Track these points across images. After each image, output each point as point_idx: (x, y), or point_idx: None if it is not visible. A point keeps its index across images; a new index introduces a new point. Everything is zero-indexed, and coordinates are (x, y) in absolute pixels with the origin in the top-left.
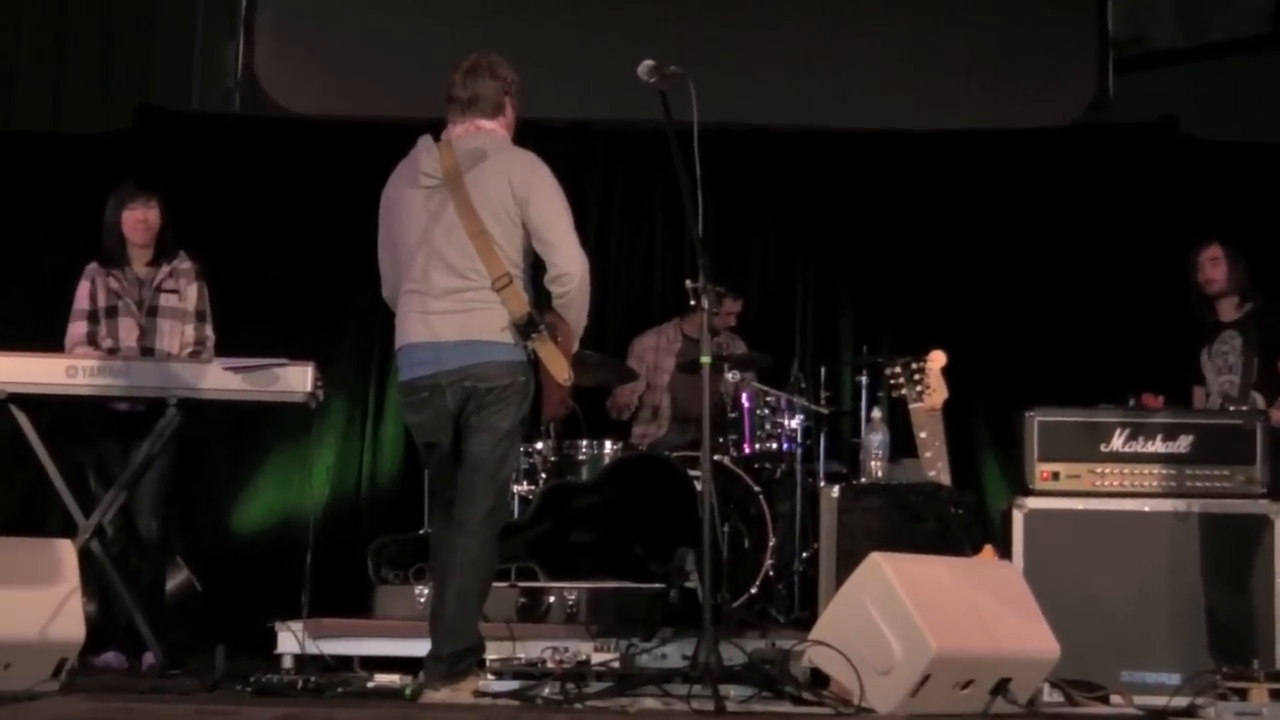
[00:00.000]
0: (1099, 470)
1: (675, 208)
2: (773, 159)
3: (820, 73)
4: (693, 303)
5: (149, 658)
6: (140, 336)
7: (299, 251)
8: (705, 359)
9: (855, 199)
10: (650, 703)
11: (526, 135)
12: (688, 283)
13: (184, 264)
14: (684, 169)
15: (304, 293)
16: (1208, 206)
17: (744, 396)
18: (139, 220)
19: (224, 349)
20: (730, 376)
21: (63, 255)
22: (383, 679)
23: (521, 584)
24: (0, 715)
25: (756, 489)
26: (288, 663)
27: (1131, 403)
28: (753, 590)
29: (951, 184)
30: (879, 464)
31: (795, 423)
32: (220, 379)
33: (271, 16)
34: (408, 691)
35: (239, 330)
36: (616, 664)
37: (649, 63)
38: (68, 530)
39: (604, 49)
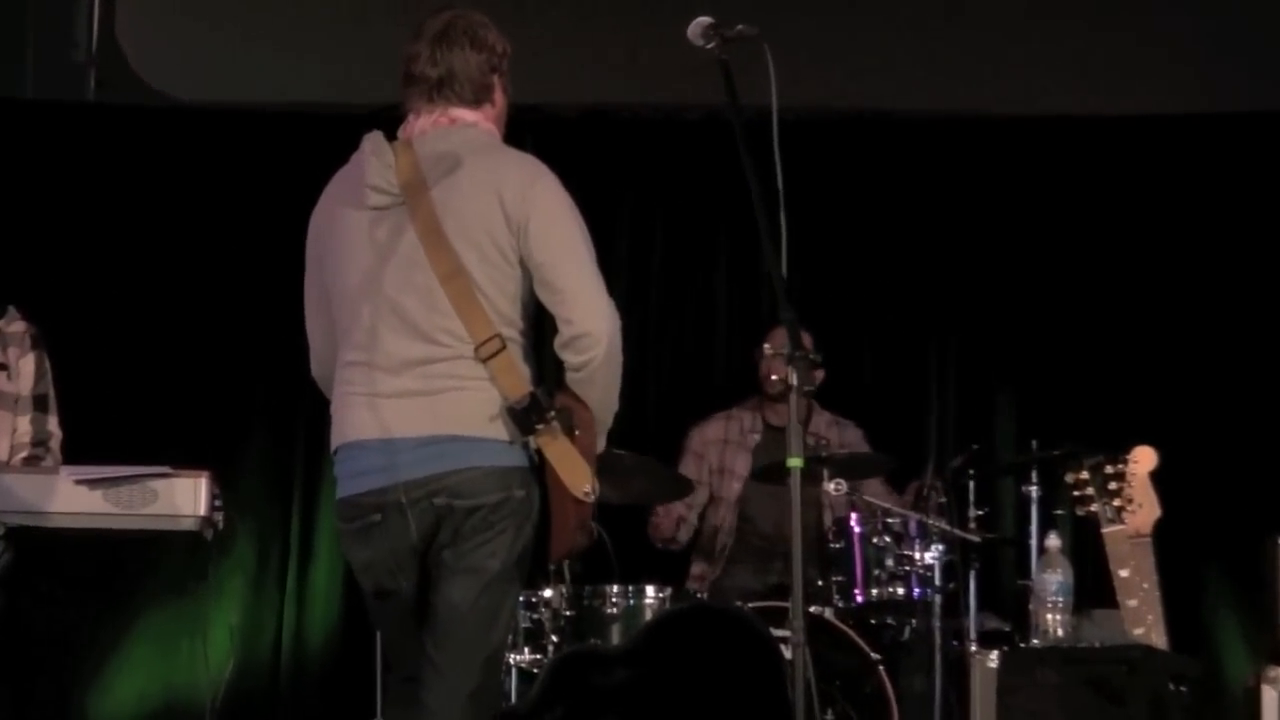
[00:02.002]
0: None
1: (745, 233)
2: (890, 156)
3: (956, 38)
4: (774, 376)
5: None
6: None
7: (186, 305)
8: (795, 461)
9: (1014, 213)
10: None
11: (523, 129)
12: (765, 348)
13: (13, 326)
14: (756, 176)
15: (194, 366)
16: None
17: (854, 518)
18: None
19: (76, 452)
20: (833, 487)
21: None
22: None
23: None
24: None
25: (875, 657)
26: None
27: None
28: None
29: (1166, 197)
30: (1058, 617)
31: (931, 556)
32: (71, 496)
33: None
34: None
35: (98, 423)
36: None
37: (705, 20)
38: None
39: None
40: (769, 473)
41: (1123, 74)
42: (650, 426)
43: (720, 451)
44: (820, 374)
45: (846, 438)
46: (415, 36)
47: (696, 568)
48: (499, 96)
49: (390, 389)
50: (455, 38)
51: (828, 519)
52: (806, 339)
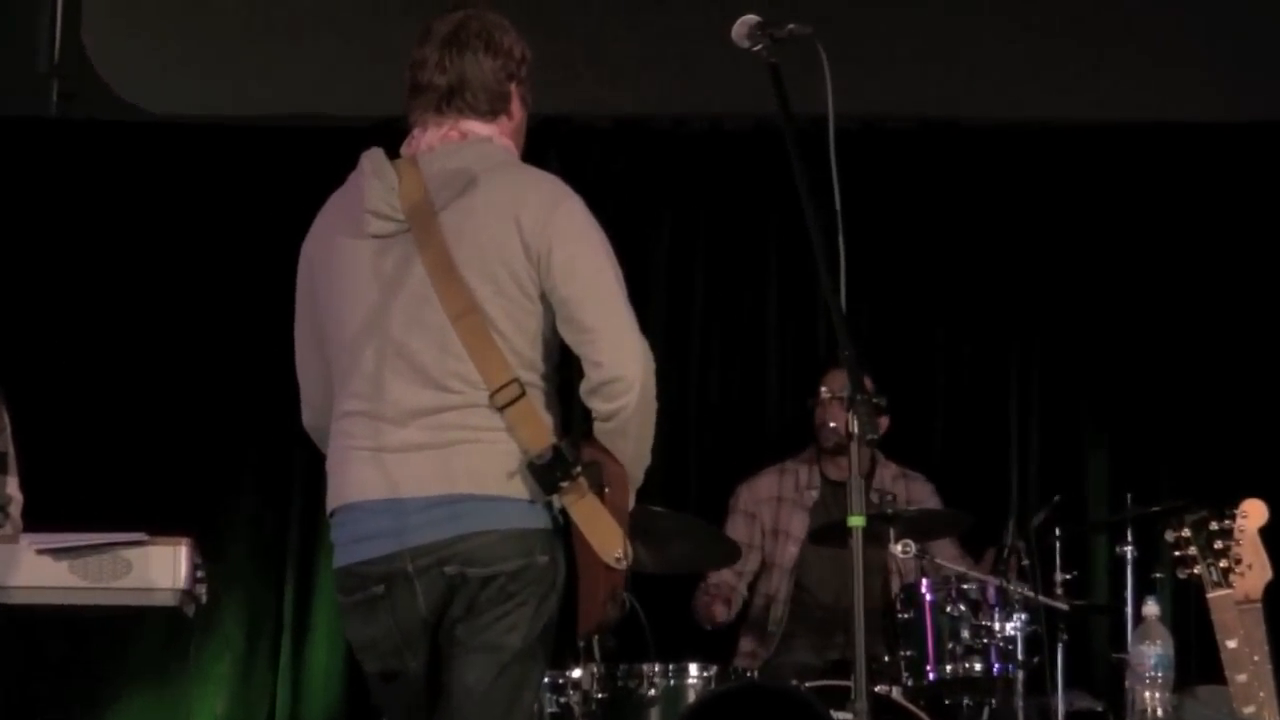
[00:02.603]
0: None
1: (799, 258)
2: (961, 169)
3: (1025, 38)
4: (831, 424)
5: None
6: None
7: (163, 344)
8: (856, 520)
9: (1105, 232)
10: None
11: (546, 143)
12: (822, 391)
13: None
14: (811, 193)
15: (173, 417)
16: None
17: (924, 584)
18: None
19: (39, 518)
20: (900, 550)
21: None
22: None
23: None
24: None
25: None
26: None
27: None
28: None
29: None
30: (1158, 695)
31: (1013, 627)
32: (34, 568)
33: None
34: None
35: (64, 484)
36: None
37: (751, 19)
38: None
39: (667, 3)
40: (827, 534)
41: (1215, 77)
42: (692, 482)
43: (774, 510)
44: (885, 421)
45: (915, 493)
46: (422, 39)
47: (746, 644)
48: (516, 108)
49: (396, 442)
50: (468, 41)
51: (895, 585)
52: (868, 381)
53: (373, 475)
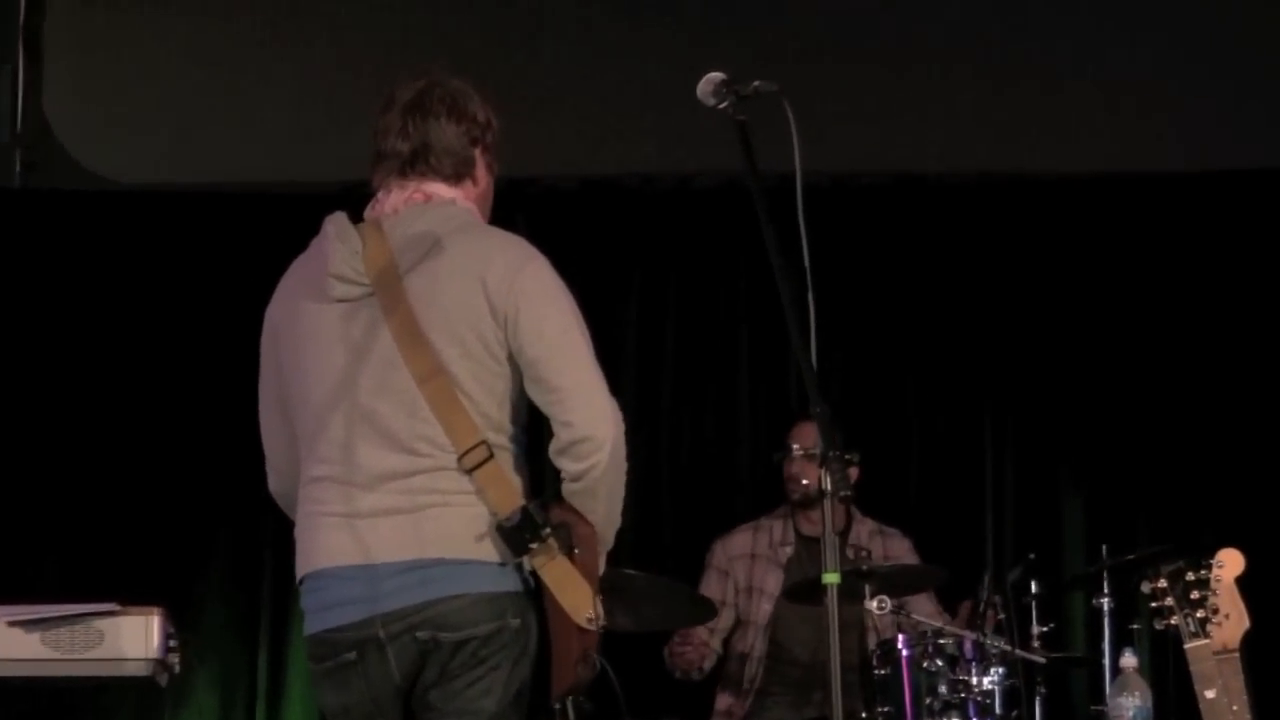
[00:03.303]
0: None
1: (769, 315)
2: (928, 225)
3: (993, 92)
4: (803, 480)
5: None
6: None
7: (129, 414)
8: (831, 577)
9: (1073, 285)
10: None
11: (513, 207)
12: (793, 447)
13: None
14: (779, 250)
15: (141, 486)
16: None
17: (901, 640)
18: None
19: (10, 590)
20: (875, 606)
21: None
22: None
23: None
24: None
25: None
26: None
27: None
28: None
29: (1246, 263)
30: None
31: (990, 681)
32: (6, 640)
33: (71, 36)
34: None
35: (30, 555)
36: None
37: (717, 76)
38: None
39: (632, 63)
40: (802, 591)
41: (1185, 127)
42: (665, 542)
43: (748, 567)
44: (855, 472)
45: (893, 549)
46: (385, 106)
47: (722, 702)
48: (482, 174)
49: (367, 507)
50: (431, 106)
51: (871, 641)
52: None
53: (344, 541)
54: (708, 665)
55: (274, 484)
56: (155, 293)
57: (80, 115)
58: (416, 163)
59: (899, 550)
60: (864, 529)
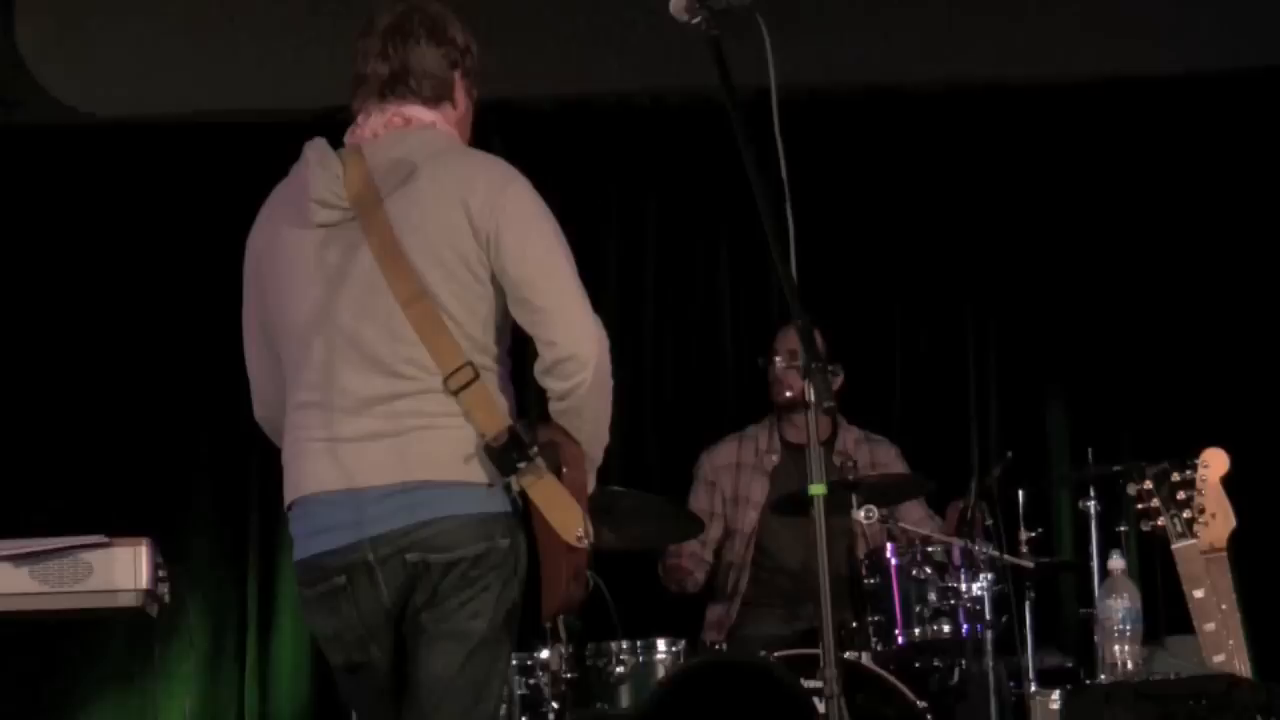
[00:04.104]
0: None
1: (749, 228)
2: (907, 135)
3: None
4: (788, 393)
5: None
6: None
7: (112, 345)
8: (817, 489)
9: (1054, 190)
10: None
11: (489, 130)
12: (778, 361)
13: None
14: (757, 165)
15: (125, 417)
16: None
17: (889, 549)
18: None
19: None
20: (863, 515)
21: None
22: None
23: None
24: None
25: (921, 705)
26: None
27: None
28: None
29: (1228, 164)
30: (1127, 649)
31: (980, 588)
32: None
33: None
34: None
35: (16, 489)
36: None
37: None
38: None
39: None
40: (789, 504)
41: (1166, 28)
42: (651, 458)
43: (734, 477)
44: (839, 381)
45: (879, 457)
46: (365, 30)
47: (712, 614)
48: (461, 98)
49: (350, 432)
50: (411, 30)
51: (860, 551)
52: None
53: (328, 467)
54: (701, 576)
55: (260, 411)
56: (136, 225)
57: (54, 50)
58: (396, 85)
59: (885, 458)
60: (850, 437)
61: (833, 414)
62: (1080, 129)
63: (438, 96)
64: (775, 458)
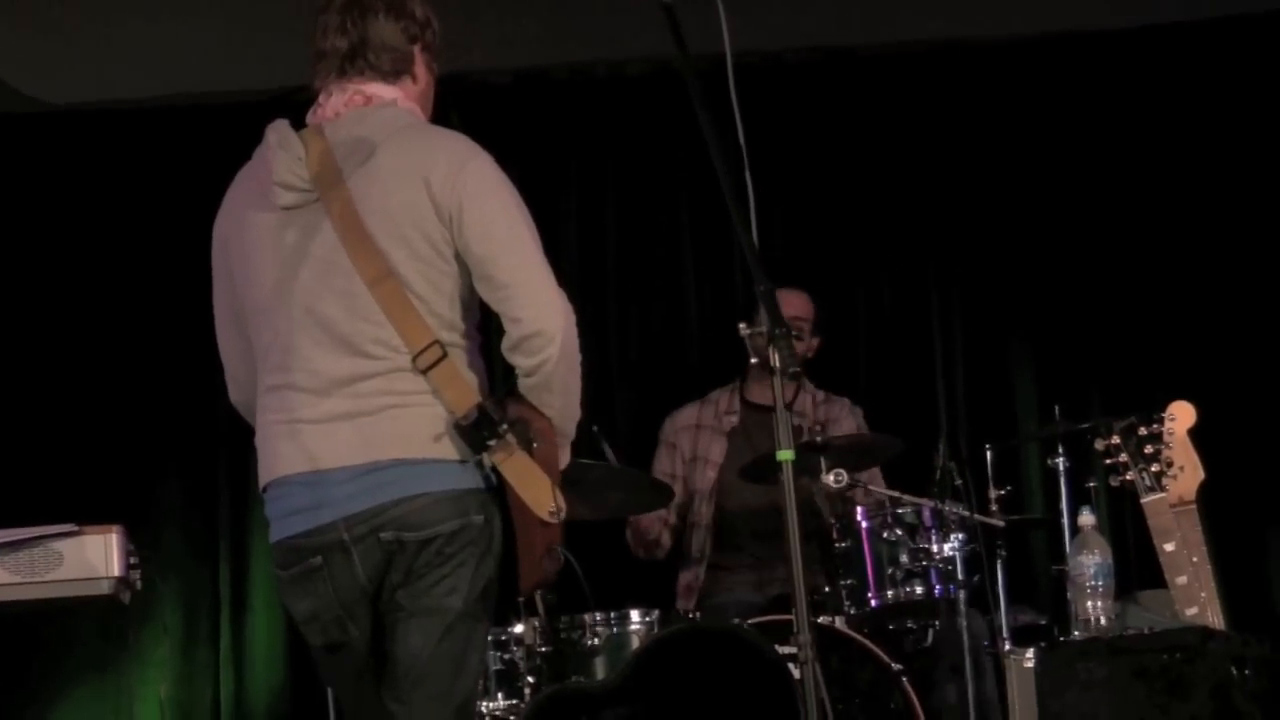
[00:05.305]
0: None
1: (710, 195)
2: (863, 97)
3: None
4: (753, 359)
5: None
6: None
7: (78, 332)
8: (785, 454)
9: (1013, 148)
10: None
11: (446, 104)
12: (743, 327)
13: None
14: (715, 132)
15: (94, 404)
16: None
17: (859, 512)
18: None
19: None
20: (831, 480)
21: None
22: None
23: None
24: None
25: (896, 667)
26: None
27: None
28: None
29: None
30: (1100, 604)
31: (951, 548)
32: None
33: None
34: None
35: None
36: None
37: None
38: None
39: None
40: (755, 470)
41: None
42: (620, 429)
43: (693, 437)
44: (818, 343)
45: (836, 416)
46: (324, 5)
47: (682, 580)
48: (421, 72)
49: (314, 413)
50: (370, 4)
51: (829, 516)
52: (806, 303)
53: (292, 449)
54: (666, 540)
55: (234, 394)
56: (100, 214)
57: (10, 37)
58: (355, 59)
59: (839, 414)
60: (809, 399)
61: (799, 379)
62: (1036, 86)
63: (397, 71)
64: (734, 418)
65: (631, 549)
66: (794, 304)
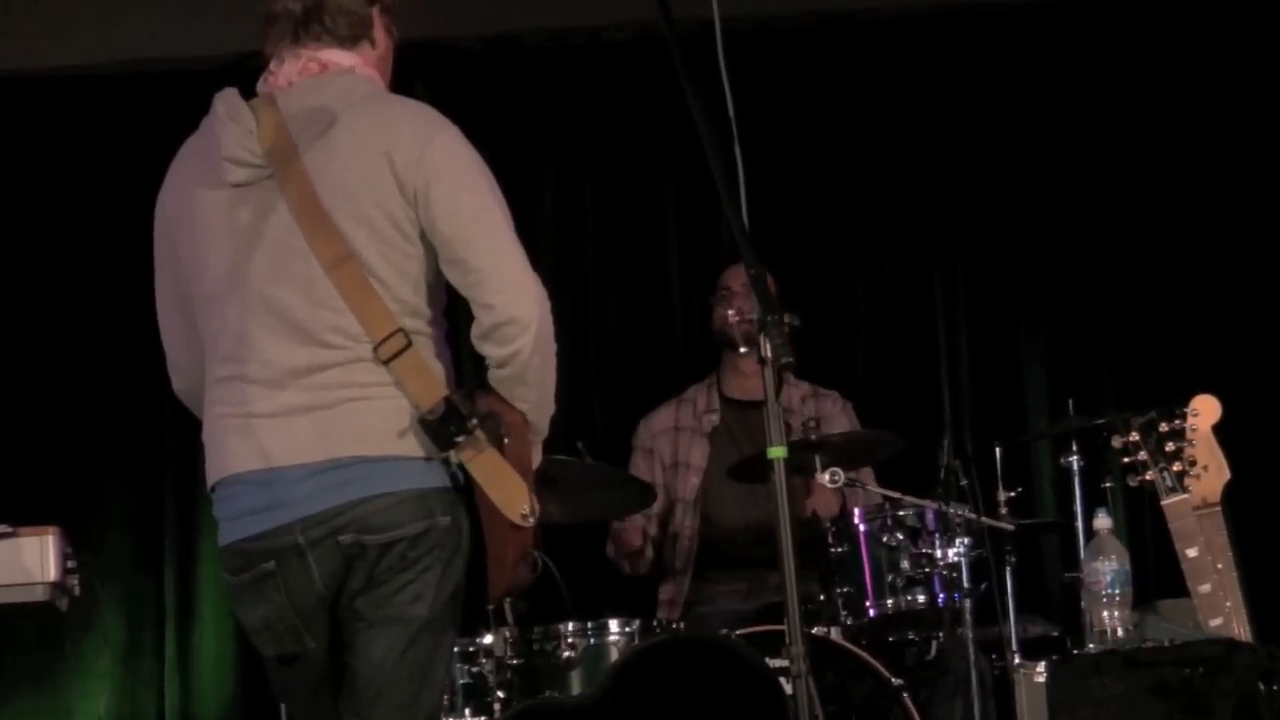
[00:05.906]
0: None
1: (696, 172)
2: (860, 65)
3: None
4: (743, 349)
5: None
6: None
7: (17, 328)
8: (777, 451)
9: (1022, 120)
10: None
11: (412, 73)
12: (731, 314)
13: None
14: (702, 103)
15: (27, 396)
16: None
17: (857, 515)
18: None
19: None
20: (828, 479)
21: None
22: None
23: None
24: None
25: (896, 682)
26: None
27: None
28: None
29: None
30: (1116, 614)
31: (956, 553)
32: None
33: None
34: None
35: None
36: None
37: None
38: None
39: None
40: (744, 470)
41: None
42: (598, 423)
43: (672, 441)
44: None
45: (823, 410)
46: None
47: (665, 592)
48: (381, 36)
49: (269, 407)
50: None
51: (825, 519)
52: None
53: (244, 445)
54: (649, 553)
55: (178, 384)
56: (34, 190)
57: None
58: (310, 23)
59: (833, 411)
60: (796, 393)
61: (790, 369)
62: (1048, 52)
63: (355, 35)
64: (715, 417)
65: (614, 562)
66: (738, 277)
